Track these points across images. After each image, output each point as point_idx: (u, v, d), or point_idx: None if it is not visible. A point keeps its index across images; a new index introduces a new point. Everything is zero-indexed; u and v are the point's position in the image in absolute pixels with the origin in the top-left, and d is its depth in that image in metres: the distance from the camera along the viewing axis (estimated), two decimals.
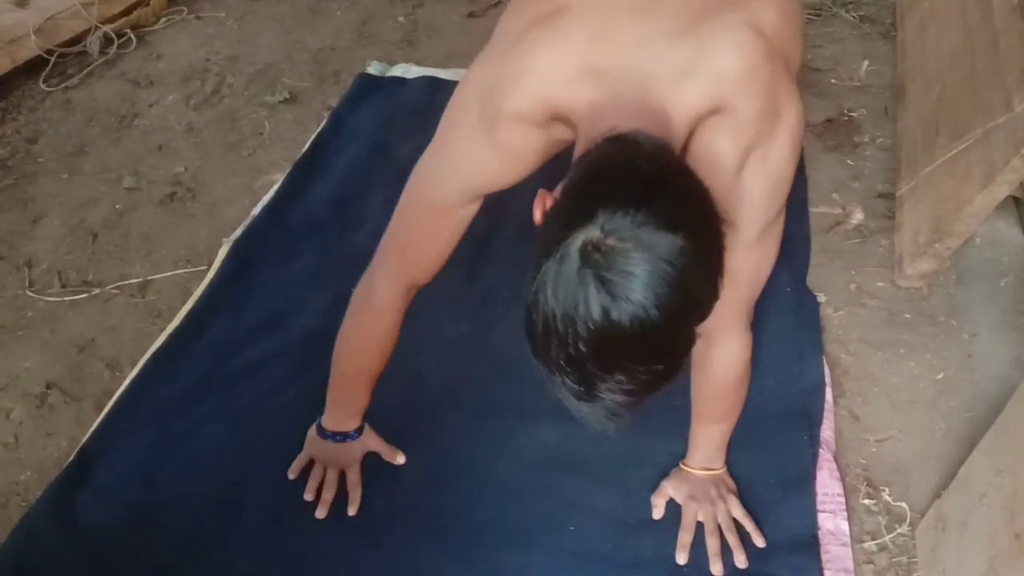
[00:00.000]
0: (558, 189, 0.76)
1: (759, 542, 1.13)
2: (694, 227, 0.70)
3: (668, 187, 0.71)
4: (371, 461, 1.29)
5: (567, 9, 0.92)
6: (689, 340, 0.74)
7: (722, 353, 1.09)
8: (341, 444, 1.27)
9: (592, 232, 0.68)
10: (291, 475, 1.28)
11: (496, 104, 0.93)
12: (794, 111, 0.91)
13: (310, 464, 1.28)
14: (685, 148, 0.88)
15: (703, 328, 0.97)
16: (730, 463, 1.22)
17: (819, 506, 1.18)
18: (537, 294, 0.70)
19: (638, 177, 0.71)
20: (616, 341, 0.68)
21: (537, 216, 0.78)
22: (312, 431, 1.29)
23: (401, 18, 2.62)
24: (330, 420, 1.27)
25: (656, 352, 0.71)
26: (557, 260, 0.69)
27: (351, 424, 1.26)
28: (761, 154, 0.90)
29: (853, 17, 2.27)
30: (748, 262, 0.97)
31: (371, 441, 1.28)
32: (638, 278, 0.66)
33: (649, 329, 0.67)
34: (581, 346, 0.68)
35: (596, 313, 0.67)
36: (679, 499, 1.19)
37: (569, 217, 0.71)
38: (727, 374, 1.11)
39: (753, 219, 0.94)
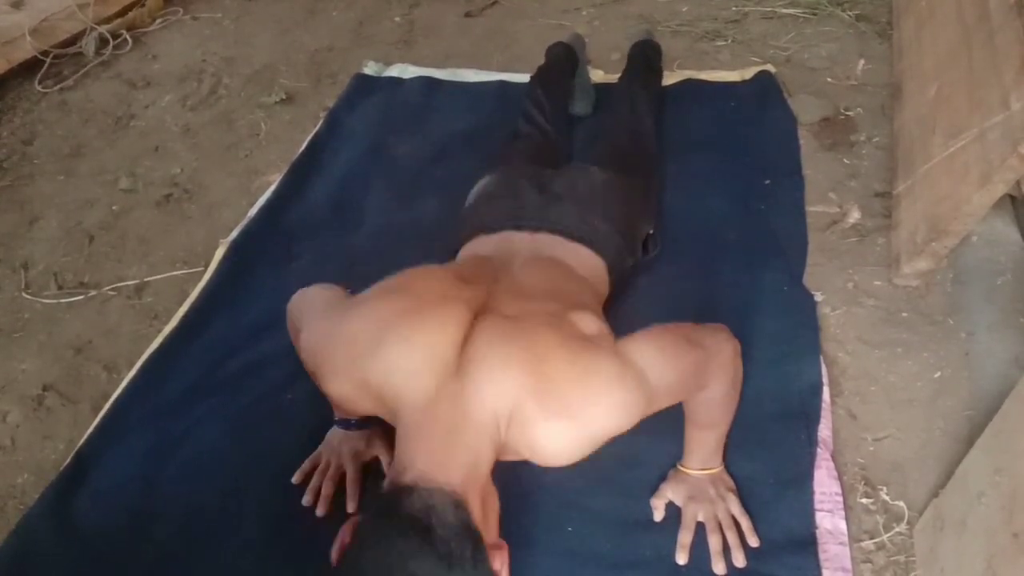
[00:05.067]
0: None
1: (752, 542, 1.13)
2: None
3: None
4: (373, 463, 1.29)
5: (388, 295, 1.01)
6: None
7: (699, 397, 1.11)
8: (347, 432, 1.29)
9: None
10: (295, 480, 1.28)
11: (324, 380, 1.01)
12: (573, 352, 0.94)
13: (312, 471, 1.29)
14: (503, 444, 0.92)
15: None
16: (728, 463, 1.22)
17: (817, 505, 1.17)
18: None
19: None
20: None
21: (334, 555, 0.83)
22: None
23: (398, 18, 2.62)
24: (334, 408, 1.30)
25: None
26: None
27: (350, 415, 1.28)
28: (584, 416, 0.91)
29: (849, 16, 2.28)
30: (656, 408, 0.99)
31: (377, 444, 1.28)
32: None
33: None
34: None
35: None
36: (678, 501, 1.18)
37: None
38: (712, 398, 1.12)
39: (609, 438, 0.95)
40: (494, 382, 0.90)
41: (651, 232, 1.48)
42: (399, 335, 0.95)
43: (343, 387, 0.98)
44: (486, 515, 0.87)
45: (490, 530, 0.87)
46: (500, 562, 0.83)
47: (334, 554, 0.83)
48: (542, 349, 0.93)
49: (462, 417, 0.89)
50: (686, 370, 1.02)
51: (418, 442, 0.88)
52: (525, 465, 1.24)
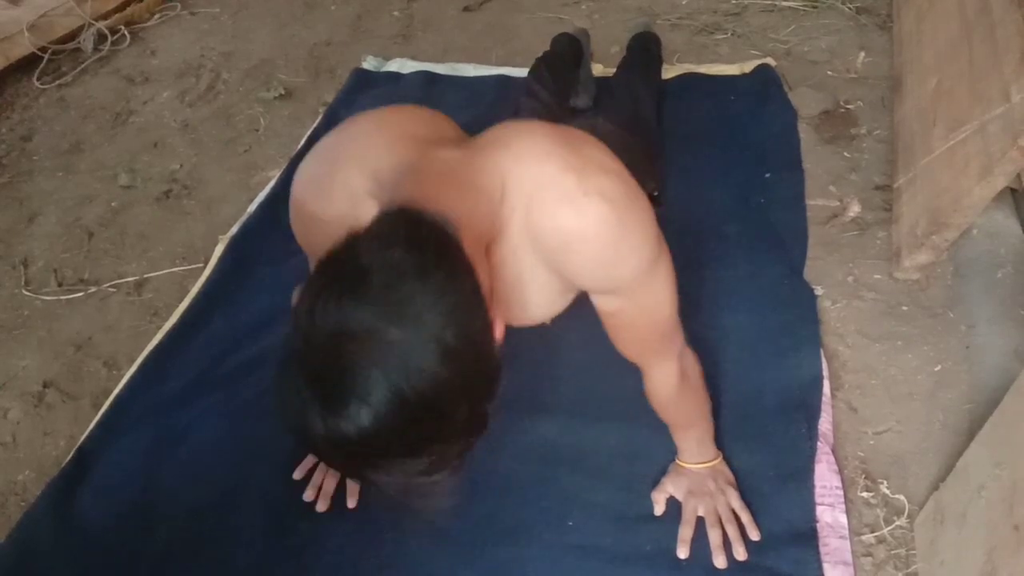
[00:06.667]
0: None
1: (754, 535, 1.13)
2: (443, 334, 0.62)
3: (426, 278, 0.63)
4: None
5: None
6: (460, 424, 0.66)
7: (654, 380, 1.09)
8: None
9: (314, 328, 0.62)
10: (296, 476, 1.28)
11: (307, 200, 0.94)
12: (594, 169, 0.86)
13: (314, 467, 1.28)
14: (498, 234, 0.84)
15: (636, 361, 1.01)
16: (728, 456, 1.22)
17: (817, 499, 1.18)
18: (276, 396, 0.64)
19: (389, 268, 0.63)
20: (354, 451, 0.62)
21: (294, 297, 0.68)
22: None
23: (396, 12, 2.62)
24: None
25: (409, 450, 0.64)
26: (280, 365, 0.64)
27: None
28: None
29: (849, 8, 2.27)
30: (635, 310, 0.94)
31: None
32: (363, 390, 0.60)
33: (383, 436, 0.61)
34: (328, 458, 0.64)
35: (319, 429, 0.62)
36: (678, 495, 1.19)
37: (300, 310, 0.63)
38: (667, 393, 1.10)
39: (615, 277, 0.90)
40: (516, 149, 0.83)
41: (655, 194, 1.46)
42: (383, 119, 0.90)
43: (323, 187, 0.90)
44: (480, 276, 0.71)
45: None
46: (498, 320, 0.72)
47: (295, 296, 0.68)
48: (576, 138, 0.87)
49: (465, 173, 0.80)
50: (671, 309, 0.98)
51: (406, 182, 0.77)
52: (526, 457, 1.25)
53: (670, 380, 1.07)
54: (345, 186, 0.87)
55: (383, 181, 0.82)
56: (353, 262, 0.64)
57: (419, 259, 0.64)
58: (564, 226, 0.83)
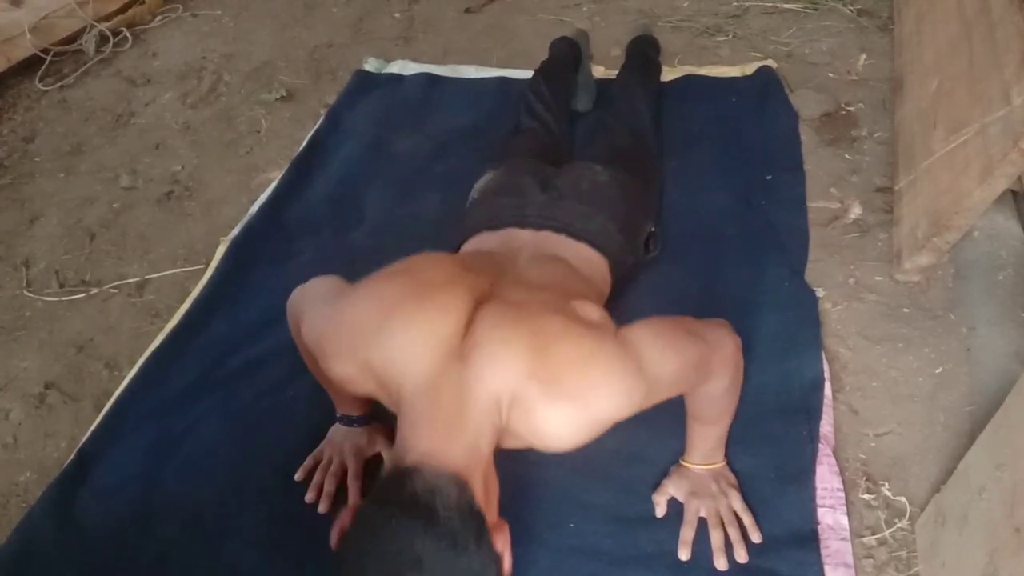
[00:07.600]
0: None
1: (755, 537, 1.13)
2: None
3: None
4: (375, 459, 1.29)
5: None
6: None
7: (710, 385, 1.10)
8: (350, 428, 1.29)
9: None
10: (297, 477, 1.28)
11: (327, 362, 1.00)
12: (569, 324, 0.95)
13: (315, 468, 1.29)
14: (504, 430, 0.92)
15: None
16: (730, 458, 1.22)
17: (819, 501, 1.17)
18: None
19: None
20: None
21: (334, 539, 0.84)
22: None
23: (397, 14, 2.62)
24: (336, 404, 1.30)
25: None
26: None
27: (351, 411, 1.29)
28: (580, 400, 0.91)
29: (850, 11, 2.27)
30: (654, 396, 0.97)
31: (379, 440, 1.29)
32: None
33: None
34: None
35: None
36: (680, 497, 1.19)
37: None
38: (713, 393, 1.11)
39: (613, 422, 0.94)
40: (496, 365, 0.90)
41: (652, 231, 1.49)
42: (402, 318, 0.94)
43: (346, 369, 0.98)
44: (488, 496, 0.86)
45: (491, 511, 0.87)
46: (502, 542, 0.83)
47: (333, 538, 0.83)
48: (544, 333, 0.93)
49: (464, 400, 0.89)
50: (687, 361, 1.02)
51: (420, 425, 0.88)
52: (526, 460, 1.24)
53: (721, 383, 1.09)
54: (359, 355, 0.95)
55: (402, 398, 0.92)
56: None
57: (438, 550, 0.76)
58: (537, 432, 0.91)
